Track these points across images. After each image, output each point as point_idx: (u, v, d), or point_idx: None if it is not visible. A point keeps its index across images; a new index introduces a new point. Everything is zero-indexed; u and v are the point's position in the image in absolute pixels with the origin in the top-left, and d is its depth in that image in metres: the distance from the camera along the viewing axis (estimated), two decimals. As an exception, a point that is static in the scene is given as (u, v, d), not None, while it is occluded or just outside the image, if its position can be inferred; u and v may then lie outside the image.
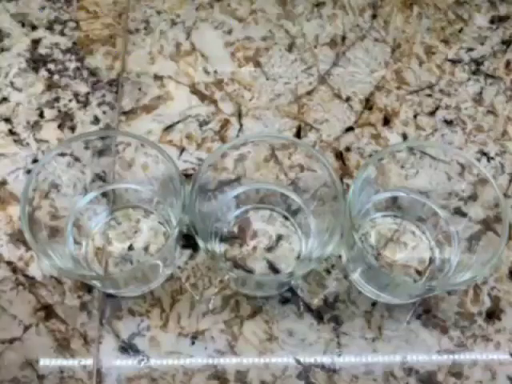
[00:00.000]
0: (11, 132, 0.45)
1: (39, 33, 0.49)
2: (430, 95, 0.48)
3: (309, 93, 0.48)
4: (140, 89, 0.47)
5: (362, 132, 0.46)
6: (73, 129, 0.45)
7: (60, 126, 0.45)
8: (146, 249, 0.40)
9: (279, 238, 0.41)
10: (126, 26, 0.50)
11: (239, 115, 0.46)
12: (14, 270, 0.40)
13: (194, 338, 0.39)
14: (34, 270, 0.40)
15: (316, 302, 0.40)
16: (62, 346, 0.38)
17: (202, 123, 0.46)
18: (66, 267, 0.35)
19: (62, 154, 0.36)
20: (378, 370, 0.39)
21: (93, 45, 0.49)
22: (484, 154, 0.46)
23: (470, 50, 0.50)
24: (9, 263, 0.40)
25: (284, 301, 0.40)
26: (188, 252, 0.41)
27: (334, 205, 0.35)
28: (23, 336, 0.39)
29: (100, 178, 0.40)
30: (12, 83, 0.47)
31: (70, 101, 0.46)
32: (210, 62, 0.49)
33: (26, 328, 0.39)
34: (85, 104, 0.46)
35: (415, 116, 0.47)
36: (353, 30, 0.50)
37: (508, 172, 0.45)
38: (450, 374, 0.39)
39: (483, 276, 0.36)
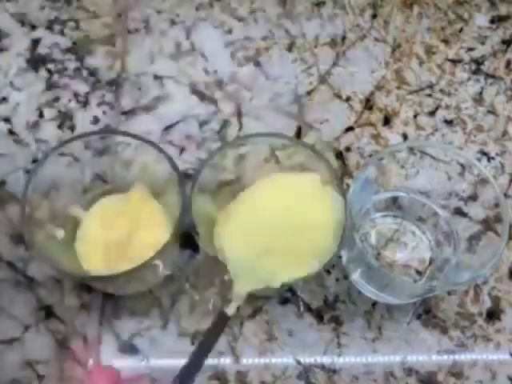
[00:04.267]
0: (11, 132, 0.45)
1: (39, 32, 0.49)
2: (430, 95, 0.48)
3: (309, 93, 0.48)
4: (140, 89, 0.47)
5: (362, 132, 0.46)
6: (73, 129, 0.45)
7: (60, 126, 0.45)
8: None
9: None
10: (126, 25, 0.50)
11: (239, 115, 0.46)
12: (14, 269, 0.40)
13: (194, 338, 0.39)
14: (33, 270, 0.40)
15: (316, 302, 0.40)
16: (62, 346, 0.38)
17: (202, 123, 0.46)
18: (65, 267, 0.35)
19: (62, 154, 0.36)
20: (378, 370, 0.39)
21: (93, 45, 0.49)
22: (484, 153, 0.46)
23: (470, 49, 0.50)
24: (9, 263, 0.40)
25: (284, 301, 0.40)
26: (188, 252, 0.41)
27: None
28: (23, 336, 0.39)
29: (100, 177, 0.40)
30: (12, 83, 0.47)
31: (70, 101, 0.46)
32: (210, 62, 0.49)
33: (26, 328, 0.39)
34: (85, 104, 0.46)
35: (415, 116, 0.47)
36: (353, 30, 0.50)
37: (508, 172, 0.45)
38: (450, 374, 0.39)
39: (483, 276, 0.36)
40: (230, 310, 0.35)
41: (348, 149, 0.45)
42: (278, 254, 0.36)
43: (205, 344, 0.34)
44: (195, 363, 0.33)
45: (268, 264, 0.36)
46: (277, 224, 0.37)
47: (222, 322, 0.35)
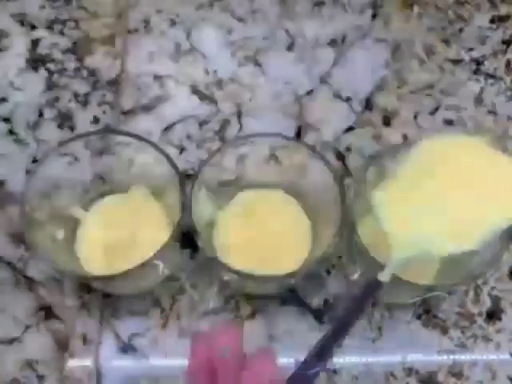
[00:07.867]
0: (11, 132, 0.45)
1: (39, 33, 0.49)
2: (430, 95, 0.48)
3: (309, 93, 0.48)
4: (140, 89, 0.47)
5: (362, 132, 0.46)
6: (73, 129, 0.45)
7: (60, 126, 0.45)
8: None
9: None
10: (126, 25, 0.50)
11: (239, 115, 0.46)
12: (14, 270, 0.40)
13: (194, 338, 0.39)
14: (33, 270, 0.40)
15: (316, 302, 0.40)
16: (62, 346, 0.38)
17: (202, 123, 0.46)
18: (65, 267, 0.35)
19: (62, 154, 0.36)
20: (377, 370, 0.39)
21: (93, 45, 0.49)
22: (484, 153, 0.46)
23: (471, 49, 0.50)
24: (9, 263, 0.40)
25: (284, 301, 0.40)
26: (188, 252, 0.41)
27: (334, 205, 0.35)
28: (23, 336, 0.39)
29: (100, 177, 0.40)
30: (12, 83, 0.47)
31: (70, 101, 0.46)
32: (210, 62, 0.49)
33: (26, 328, 0.39)
34: (84, 104, 0.46)
35: (415, 116, 0.47)
36: (353, 30, 0.50)
37: (508, 172, 0.45)
38: (450, 374, 0.39)
39: (483, 276, 0.36)
40: (384, 277, 0.31)
41: (348, 149, 0.45)
42: (442, 218, 0.31)
43: (350, 314, 0.30)
44: (335, 337, 0.29)
45: (428, 227, 0.31)
46: (445, 186, 0.32)
47: (372, 289, 0.30)
